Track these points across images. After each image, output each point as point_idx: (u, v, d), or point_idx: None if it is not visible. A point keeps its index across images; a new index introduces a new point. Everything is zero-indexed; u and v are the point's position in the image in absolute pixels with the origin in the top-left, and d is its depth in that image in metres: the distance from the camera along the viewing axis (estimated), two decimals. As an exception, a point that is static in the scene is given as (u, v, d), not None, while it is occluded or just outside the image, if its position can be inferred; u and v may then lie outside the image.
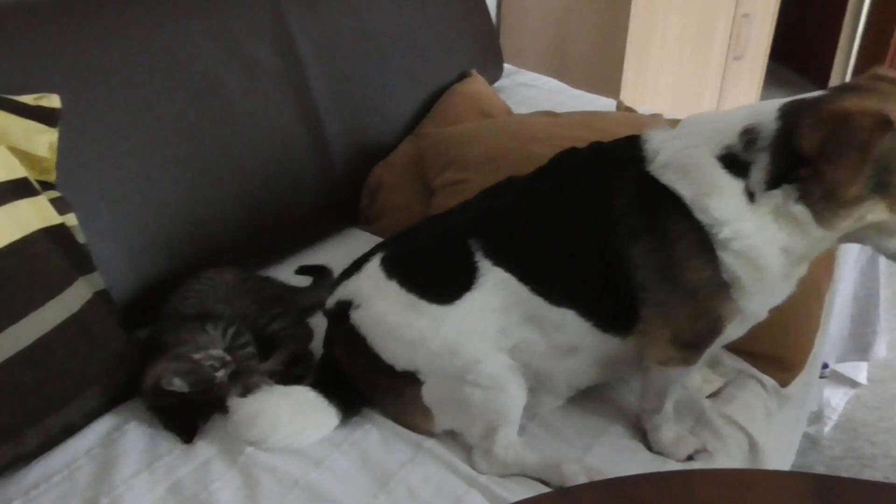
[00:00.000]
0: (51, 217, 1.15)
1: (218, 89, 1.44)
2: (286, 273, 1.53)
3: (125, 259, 1.31)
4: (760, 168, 0.98)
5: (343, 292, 1.20)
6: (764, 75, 3.15)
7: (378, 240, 1.61)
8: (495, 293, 1.10)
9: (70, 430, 1.14)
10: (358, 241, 1.64)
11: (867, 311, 1.73)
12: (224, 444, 1.14)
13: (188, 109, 1.40)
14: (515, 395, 1.12)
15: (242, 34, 1.49)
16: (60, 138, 1.21)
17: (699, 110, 2.88)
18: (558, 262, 1.09)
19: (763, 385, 1.30)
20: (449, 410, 1.15)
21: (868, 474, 1.80)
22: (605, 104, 2.04)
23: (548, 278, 1.10)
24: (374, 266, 1.18)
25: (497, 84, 2.19)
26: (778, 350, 1.31)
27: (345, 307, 1.18)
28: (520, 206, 1.15)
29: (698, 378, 1.27)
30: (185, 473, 1.09)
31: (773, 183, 0.97)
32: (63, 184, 1.22)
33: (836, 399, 1.87)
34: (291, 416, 1.13)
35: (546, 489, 1.10)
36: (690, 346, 1.09)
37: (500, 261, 1.10)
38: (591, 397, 1.24)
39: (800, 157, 0.94)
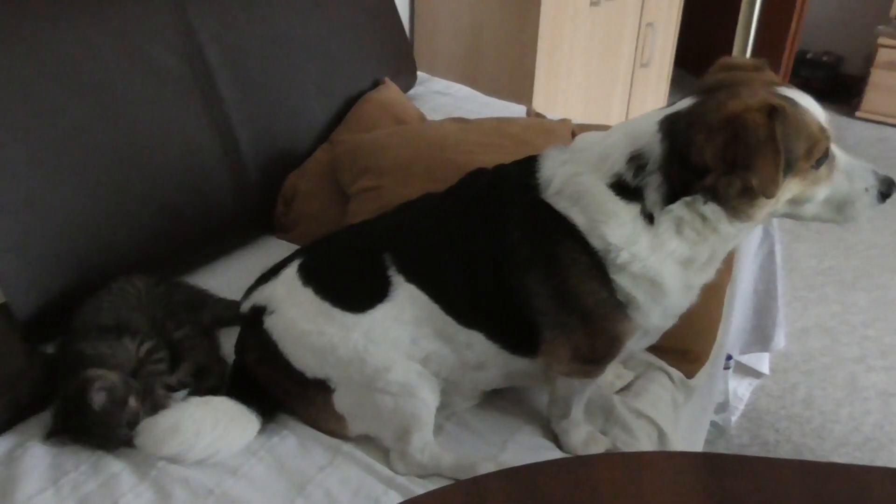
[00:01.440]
0: (-57, 229, 1.11)
1: (121, 95, 1.40)
2: (204, 282, 1.51)
3: (26, 271, 1.27)
4: (654, 189, 0.99)
5: (258, 297, 1.19)
6: (670, 81, 3.27)
7: (294, 248, 1.61)
8: (408, 307, 1.11)
9: (-31, 451, 1.10)
10: (273, 250, 1.63)
11: (767, 304, 1.81)
12: (134, 457, 1.11)
13: (90, 116, 1.36)
14: (427, 400, 1.13)
15: (146, 40, 1.46)
16: (-47, 147, 1.17)
17: (609, 116, 2.99)
18: (463, 285, 1.10)
19: (671, 377, 1.35)
20: (361, 416, 1.16)
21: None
22: (517, 111, 2.09)
23: (455, 300, 1.11)
24: (290, 272, 1.18)
25: (411, 92, 2.21)
26: (682, 343, 1.36)
27: (259, 312, 1.18)
28: (429, 226, 1.15)
29: (610, 374, 1.31)
30: (93, 489, 1.07)
31: (671, 199, 0.99)
32: (-44, 195, 1.18)
33: (742, 389, 1.96)
34: (213, 423, 1.10)
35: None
36: (591, 361, 1.12)
37: (413, 277, 1.11)
38: (506, 397, 1.27)
39: (695, 170, 0.95)
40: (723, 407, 1.85)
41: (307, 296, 1.14)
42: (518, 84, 2.52)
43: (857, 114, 4.01)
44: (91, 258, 1.35)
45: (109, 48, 1.41)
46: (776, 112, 0.91)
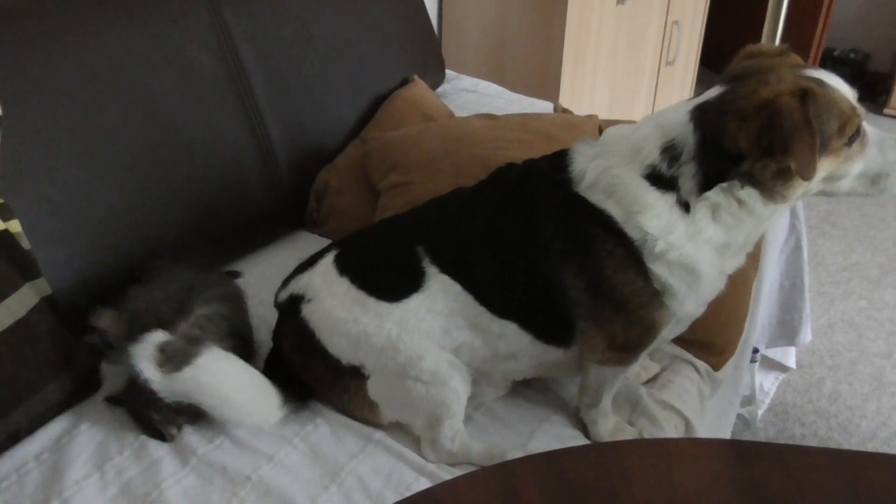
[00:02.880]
0: (-6, 223, 1.15)
1: (160, 95, 1.44)
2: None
3: (71, 264, 1.31)
4: (689, 178, 1.01)
5: (296, 286, 1.22)
6: (695, 79, 3.27)
7: (326, 242, 1.64)
8: (441, 297, 1.13)
9: (17, 437, 1.14)
10: (306, 244, 1.66)
11: (793, 298, 1.81)
12: (175, 443, 1.15)
13: (129, 115, 1.40)
14: (458, 389, 1.15)
15: (184, 41, 1.50)
16: (2, 145, 1.21)
17: (634, 113, 3.00)
18: (497, 277, 1.12)
19: (697, 369, 1.37)
20: (394, 404, 1.18)
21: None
22: (543, 107, 2.11)
23: (489, 291, 1.13)
24: (327, 263, 1.21)
25: (439, 89, 2.24)
26: (709, 335, 1.37)
27: (296, 301, 1.21)
28: (461, 220, 1.17)
29: (637, 366, 1.33)
30: (135, 473, 1.10)
31: (707, 187, 1.00)
32: (6, 190, 1.22)
33: (769, 383, 1.96)
34: (248, 387, 1.15)
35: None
36: (626, 350, 1.13)
37: (446, 269, 1.13)
38: (533, 387, 1.29)
39: (730, 156, 0.97)
40: (749, 400, 1.85)
41: (343, 286, 1.17)
42: (544, 81, 2.53)
43: (885, 111, 3.97)
44: (131, 252, 1.39)
45: (148, 49, 1.45)
46: (807, 94, 0.92)
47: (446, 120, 1.87)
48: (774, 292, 1.80)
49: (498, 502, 0.71)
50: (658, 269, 1.05)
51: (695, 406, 1.32)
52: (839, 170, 1.01)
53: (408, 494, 1.08)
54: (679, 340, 1.37)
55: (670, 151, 1.02)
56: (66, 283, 1.29)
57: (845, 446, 1.95)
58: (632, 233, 1.04)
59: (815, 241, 2.83)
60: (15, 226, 1.19)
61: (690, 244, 1.03)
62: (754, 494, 0.72)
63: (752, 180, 0.98)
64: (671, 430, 1.25)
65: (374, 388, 1.17)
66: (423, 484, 1.11)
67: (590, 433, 1.23)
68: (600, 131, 1.69)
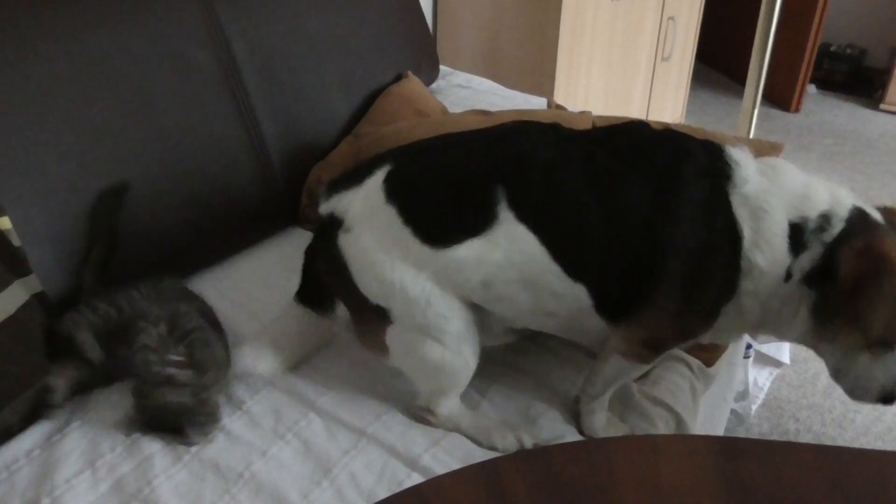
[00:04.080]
0: (-17, 220, 1.15)
1: (152, 91, 1.44)
2: (230, 272, 1.54)
3: (61, 261, 1.31)
4: (809, 259, 0.99)
5: (337, 204, 1.15)
6: (691, 75, 3.27)
7: (318, 239, 1.64)
8: (503, 247, 1.06)
9: (8, 434, 1.13)
10: (299, 241, 1.65)
11: (787, 293, 1.81)
12: (168, 440, 1.15)
13: (122, 111, 1.40)
14: (469, 360, 1.14)
15: (176, 36, 1.49)
16: (-9, 142, 1.21)
17: (630, 109, 2.99)
18: (594, 236, 1.05)
19: (689, 366, 1.37)
20: (405, 357, 1.17)
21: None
22: (538, 104, 2.10)
23: (575, 250, 1.06)
24: (375, 184, 1.12)
25: (433, 85, 2.24)
26: (702, 331, 1.37)
27: (334, 224, 1.14)
28: (567, 167, 1.07)
29: None
30: (127, 470, 1.10)
31: (812, 281, 0.98)
32: (-5, 187, 1.22)
33: (763, 378, 1.96)
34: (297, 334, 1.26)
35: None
36: (654, 349, 1.13)
37: (526, 217, 1.05)
38: (530, 384, 1.30)
39: (831, 276, 0.95)
40: (743, 396, 1.85)
41: (387, 216, 1.09)
42: (539, 77, 2.53)
43: (881, 106, 3.97)
44: (122, 249, 1.39)
45: (140, 45, 1.44)
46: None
47: (438, 116, 1.86)
48: (768, 287, 1.80)
49: (484, 498, 0.71)
50: (731, 302, 1.04)
51: (687, 402, 1.32)
52: (857, 355, 1.00)
53: (399, 490, 1.08)
54: (671, 336, 1.37)
55: (823, 220, 0.99)
56: (56, 280, 1.29)
57: (839, 441, 1.95)
58: (744, 262, 1.01)
59: (811, 236, 2.83)
60: (5, 222, 1.18)
61: (759, 305, 1.03)
62: (740, 490, 0.73)
63: (824, 307, 0.98)
64: (663, 426, 1.25)
65: (393, 335, 1.14)
66: (415, 480, 1.11)
67: (583, 425, 1.22)
68: (593, 126, 1.69)
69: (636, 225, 1.03)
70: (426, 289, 1.08)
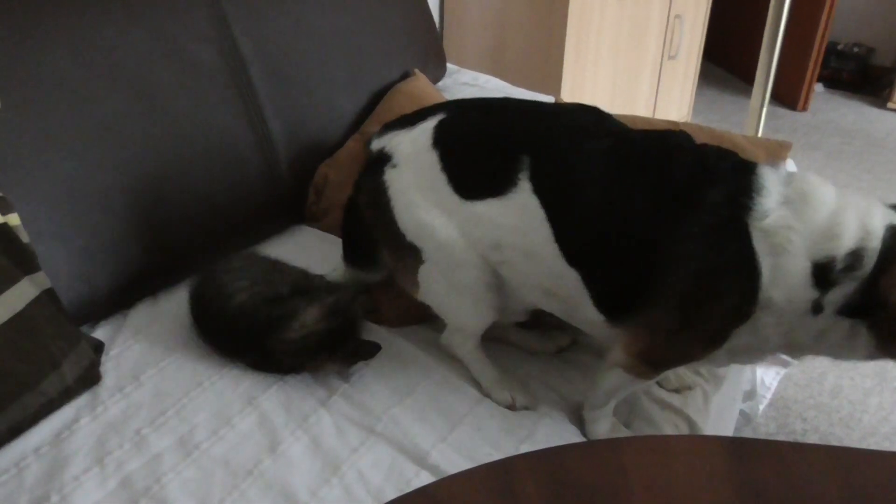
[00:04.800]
0: (-7, 217, 1.15)
1: (159, 89, 1.44)
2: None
3: (69, 258, 1.31)
4: (842, 294, 0.93)
5: (389, 142, 1.22)
6: (698, 74, 3.26)
7: (325, 237, 1.65)
8: (514, 214, 1.09)
9: (17, 431, 1.14)
10: (305, 238, 1.66)
11: (795, 294, 1.80)
12: (177, 437, 1.15)
13: (128, 108, 1.40)
14: (483, 314, 1.23)
15: (183, 34, 1.49)
16: (0, 138, 1.21)
17: (636, 107, 2.98)
18: (595, 229, 1.06)
19: (698, 371, 1.36)
20: (432, 293, 1.25)
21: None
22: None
23: (577, 237, 1.07)
24: (426, 128, 1.18)
25: (440, 83, 2.23)
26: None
27: (384, 159, 1.20)
28: (588, 151, 1.07)
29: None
30: (136, 467, 1.10)
31: (850, 313, 0.93)
32: (4, 184, 1.22)
33: (769, 378, 1.95)
34: None
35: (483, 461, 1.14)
36: (653, 366, 1.12)
37: (540, 190, 1.07)
38: (535, 386, 1.30)
39: (879, 298, 0.91)
40: (750, 395, 1.85)
41: (429, 160, 1.15)
42: (546, 75, 2.53)
43: (889, 105, 3.96)
44: (130, 247, 1.39)
45: (147, 42, 1.44)
46: None
47: (447, 114, 1.86)
48: (776, 287, 1.79)
49: (495, 499, 0.71)
50: (741, 332, 1.00)
51: (697, 404, 1.31)
52: None
53: (408, 489, 1.09)
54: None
55: (853, 258, 0.93)
56: (64, 277, 1.29)
57: (846, 441, 1.94)
58: (762, 297, 0.97)
59: (817, 235, 2.82)
60: (14, 219, 1.19)
61: (781, 336, 0.99)
62: (751, 491, 0.72)
63: (879, 331, 0.92)
64: (671, 429, 1.25)
65: (424, 273, 1.21)
66: (424, 478, 1.11)
67: (587, 431, 1.23)
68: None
69: (639, 232, 1.03)
70: (452, 237, 1.15)
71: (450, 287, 1.21)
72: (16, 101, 1.26)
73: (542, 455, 0.76)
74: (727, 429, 1.63)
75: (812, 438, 1.95)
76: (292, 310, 1.22)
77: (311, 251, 1.58)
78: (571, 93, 2.57)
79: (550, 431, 1.21)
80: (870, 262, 0.92)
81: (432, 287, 1.23)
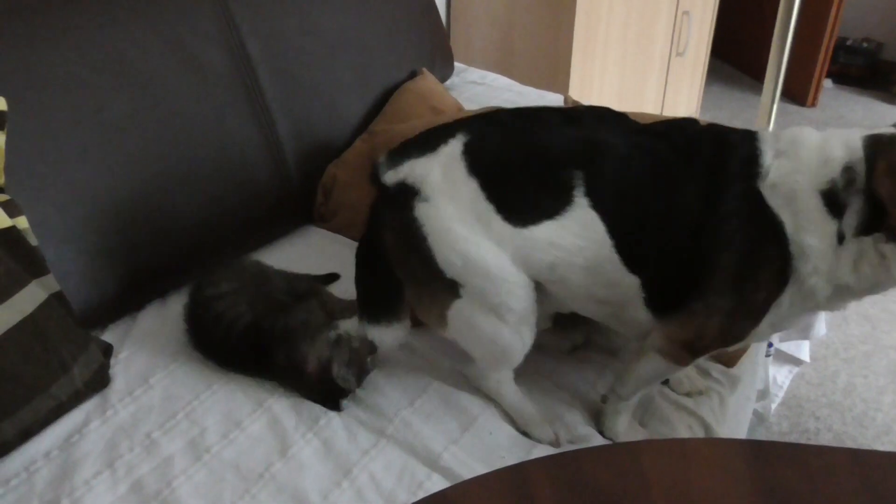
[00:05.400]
0: (1, 220, 1.14)
1: (167, 90, 1.43)
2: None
3: (78, 261, 1.31)
4: (854, 211, 0.97)
5: (410, 173, 1.11)
6: (706, 70, 3.24)
7: (334, 237, 1.64)
8: (573, 231, 1.07)
9: (27, 434, 1.13)
10: (313, 239, 1.65)
11: (808, 292, 1.78)
12: (187, 440, 1.14)
13: (136, 110, 1.39)
14: (526, 340, 1.16)
15: (191, 36, 1.49)
16: (7, 141, 1.20)
17: (644, 105, 2.97)
18: (653, 233, 1.06)
19: (708, 372, 1.35)
20: (466, 330, 1.16)
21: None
22: (553, 100, 2.09)
23: (636, 244, 1.07)
24: (453, 152, 1.10)
25: (447, 82, 2.22)
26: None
27: (408, 194, 1.10)
28: (633, 159, 1.08)
29: (680, 373, 1.29)
30: (146, 471, 1.10)
31: (865, 231, 0.97)
32: (12, 186, 1.21)
33: (782, 377, 1.94)
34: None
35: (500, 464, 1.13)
36: (693, 351, 1.12)
37: (599, 204, 1.06)
38: (549, 386, 1.29)
39: (879, 203, 0.94)
40: (763, 395, 1.83)
41: (470, 189, 1.08)
42: (554, 73, 2.51)
43: (898, 100, 3.93)
44: (140, 249, 1.39)
45: (155, 43, 1.44)
46: None
47: (454, 114, 1.85)
48: (788, 285, 1.78)
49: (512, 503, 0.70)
50: (791, 288, 1.02)
51: (713, 407, 1.30)
52: None
53: (420, 492, 1.08)
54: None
55: (849, 174, 0.98)
56: (73, 280, 1.29)
57: (860, 440, 1.93)
58: (793, 248, 1.00)
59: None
60: (22, 222, 1.18)
61: (825, 277, 1.01)
62: (772, 495, 0.71)
63: (893, 234, 0.94)
64: (684, 430, 1.24)
65: (458, 309, 1.14)
66: (436, 481, 1.10)
67: (604, 426, 1.22)
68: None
69: (688, 222, 1.05)
70: (505, 267, 1.09)
71: (489, 318, 1.13)
72: (23, 104, 1.25)
73: (558, 459, 0.75)
74: (741, 428, 1.61)
75: (825, 437, 1.93)
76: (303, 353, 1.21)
77: (320, 252, 1.58)
78: (580, 90, 2.56)
79: (564, 433, 1.20)
80: (861, 172, 0.96)
81: (467, 324, 1.15)
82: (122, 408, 1.20)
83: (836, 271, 1.00)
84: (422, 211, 1.09)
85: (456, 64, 2.29)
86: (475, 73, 2.32)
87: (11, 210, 1.17)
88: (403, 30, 1.99)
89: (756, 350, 1.49)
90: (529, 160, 1.09)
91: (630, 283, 1.09)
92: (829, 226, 0.99)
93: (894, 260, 0.97)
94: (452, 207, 1.08)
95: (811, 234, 0.99)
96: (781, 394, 1.94)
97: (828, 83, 4.07)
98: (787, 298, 1.03)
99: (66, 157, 1.31)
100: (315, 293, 1.37)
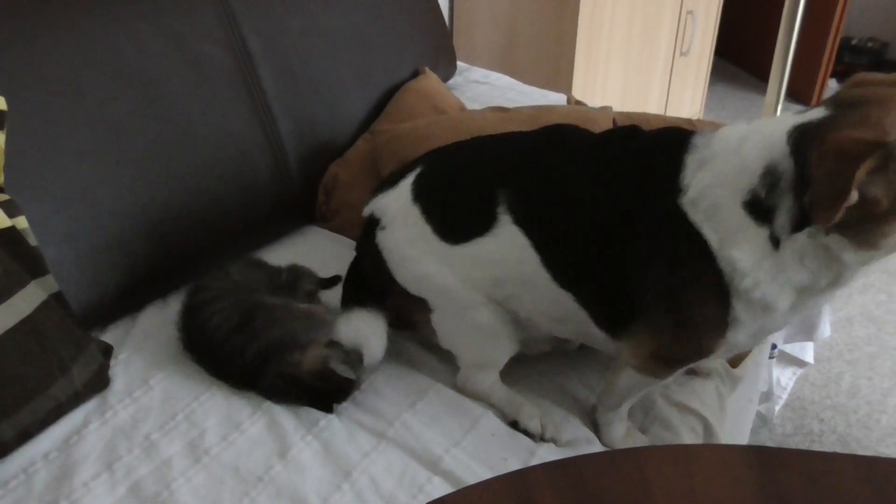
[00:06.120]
0: (0, 220, 1.13)
1: (168, 89, 1.43)
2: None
3: (78, 261, 1.30)
4: (784, 211, 0.93)
5: (377, 206, 1.25)
6: (710, 70, 3.23)
7: (334, 237, 1.63)
8: (503, 248, 1.12)
9: (26, 436, 1.12)
10: (314, 239, 1.64)
11: (812, 293, 1.78)
12: (186, 442, 1.14)
13: (137, 111, 1.38)
14: (506, 346, 1.22)
15: (192, 34, 1.48)
16: (7, 140, 1.20)
17: (648, 104, 2.96)
18: (572, 249, 1.08)
19: (714, 367, 1.34)
20: (449, 337, 1.25)
21: (816, 450, 1.86)
22: (556, 99, 2.08)
23: (560, 258, 1.10)
24: (406, 184, 1.22)
25: (450, 81, 2.21)
26: (727, 332, 1.34)
27: (374, 223, 1.25)
28: (556, 173, 1.11)
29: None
30: (145, 473, 1.09)
31: (799, 226, 0.93)
32: (12, 186, 1.20)
33: (786, 378, 1.93)
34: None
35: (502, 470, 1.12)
36: (666, 364, 1.10)
37: (521, 221, 1.10)
38: (551, 389, 1.28)
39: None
40: (766, 396, 1.83)
41: (414, 215, 1.19)
42: (557, 73, 2.50)
43: (904, 99, 3.91)
44: (140, 249, 1.38)
45: (156, 41, 1.43)
46: (875, 148, 0.83)
47: (456, 114, 1.84)
48: (793, 287, 1.77)
49: (514, 510, 0.69)
50: (738, 304, 0.99)
51: (714, 406, 1.29)
52: None
53: (420, 495, 1.07)
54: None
55: (770, 176, 0.94)
56: (73, 280, 1.28)
57: (865, 442, 1.92)
58: (722, 264, 0.97)
59: (833, 233, 2.79)
60: (21, 222, 1.17)
61: (774, 284, 0.97)
62: (778, 503, 0.70)
63: (838, 224, 0.89)
64: (688, 432, 1.23)
65: (436, 320, 1.23)
66: (437, 484, 1.09)
67: (601, 436, 1.21)
68: (615, 123, 1.66)
69: (606, 240, 1.05)
70: (448, 283, 1.17)
71: (466, 328, 1.21)
72: (23, 103, 1.24)
73: (561, 466, 0.74)
74: (744, 431, 1.61)
75: (829, 440, 1.92)
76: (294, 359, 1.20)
77: (321, 252, 1.57)
78: (583, 90, 2.55)
79: (565, 436, 1.19)
80: (787, 169, 0.92)
81: (448, 331, 1.24)
82: (121, 409, 1.19)
83: (785, 275, 0.96)
84: (380, 238, 1.23)
85: (459, 63, 2.28)
86: (478, 73, 2.31)
87: (11, 210, 1.16)
88: (406, 29, 1.98)
89: (760, 352, 1.48)
90: (463, 183, 1.18)
91: (569, 300, 1.12)
92: (757, 235, 0.95)
93: (841, 249, 0.93)
94: (403, 232, 1.20)
95: (737, 247, 0.96)
96: (785, 396, 1.93)
97: (833, 83, 4.05)
98: (743, 314, 1.00)
99: (65, 156, 1.30)
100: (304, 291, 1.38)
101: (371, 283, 1.28)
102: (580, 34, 2.43)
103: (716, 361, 1.34)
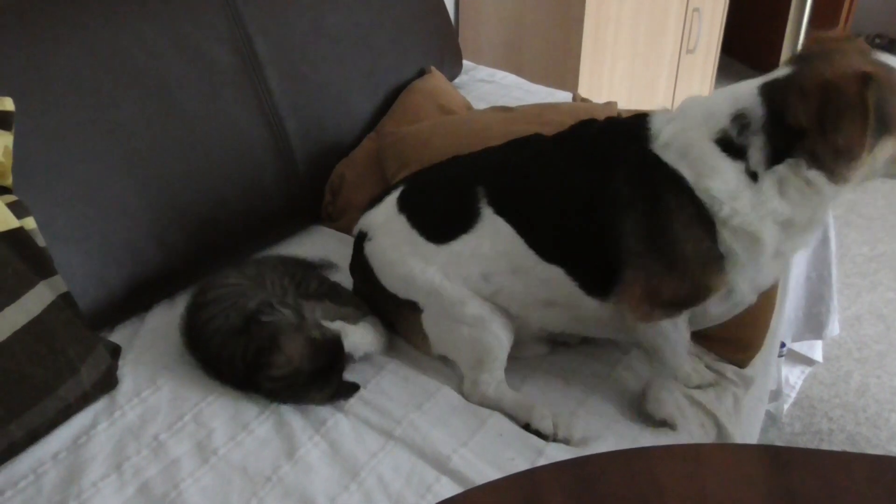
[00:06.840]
0: (9, 221, 1.14)
1: (174, 90, 1.43)
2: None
3: (86, 261, 1.30)
4: (757, 149, 1.04)
5: (363, 222, 1.32)
6: (716, 68, 3.21)
7: (341, 236, 1.63)
8: (488, 239, 1.18)
9: (35, 436, 1.13)
10: (321, 238, 1.64)
11: (820, 291, 1.77)
12: (194, 442, 1.14)
13: (144, 111, 1.39)
14: (499, 335, 1.22)
15: (198, 35, 1.48)
16: (15, 142, 1.20)
17: (654, 103, 2.95)
18: (556, 221, 1.16)
19: (724, 374, 1.33)
20: (442, 340, 1.27)
21: (825, 449, 1.85)
22: (562, 97, 2.07)
23: (544, 235, 1.16)
24: (391, 199, 1.29)
25: (456, 80, 2.21)
26: (736, 331, 1.34)
27: (361, 238, 1.31)
28: (529, 164, 1.21)
29: (688, 366, 1.28)
30: (154, 473, 1.09)
31: (774, 160, 1.04)
32: (20, 187, 1.21)
33: (794, 377, 1.92)
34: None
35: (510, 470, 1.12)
36: (666, 306, 1.14)
37: (502, 210, 1.17)
38: (558, 385, 1.28)
39: (795, 132, 1.01)
40: (775, 395, 1.82)
41: (399, 224, 1.25)
42: (563, 70, 2.50)
43: (912, 96, 3.89)
44: (147, 250, 1.38)
45: (162, 42, 1.43)
46: (869, 76, 0.96)
47: (460, 114, 1.84)
48: (801, 285, 1.76)
49: (523, 510, 0.69)
50: (725, 233, 1.07)
51: (728, 407, 1.28)
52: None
53: (428, 495, 1.07)
54: (705, 338, 1.34)
55: (740, 120, 1.05)
56: (81, 281, 1.28)
57: (874, 441, 1.91)
58: (701, 195, 1.07)
59: (841, 231, 2.78)
60: (30, 223, 1.18)
61: (754, 213, 1.06)
62: (790, 502, 0.70)
63: (815, 159, 1.01)
64: (697, 428, 1.22)
65: (427, 322, 1.26)
66: (445, 483, 1.09)
67: (650, 407, 1.22)
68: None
69: (583, 201, 1.13)
70: (434, 281, 1.21)
71: (457, 324, 1.22)
72: (30, 104, 1.25)
73: (569, 465, 0.74)
74: (753, 430, 1.60)
75: (839, 438, 1.91)
76: (272, 345, 1.17)
77: (328, 251, 1.56)
78: (589, 88, 2.54)
79: (574, 430, 1.18)
80: (758, 115, 1.04)
81: (441, 331, 1.26)
82: (129, 409, 1.20)
83: (765, 206, 1.05)
84: (367, 248, 1.29)
85: (465, 62, 2.28)
86: (484, 72, 2.30)
87: (19, 211, 1.17)
88: (412, 28, 1.98)
89: (769, 350, 1.47)
90: (443, 189, 1.27)
91: (557, 275, 1.17)
92: (732, 168, 1.06)
93: (822, 183, 1.03)
94: (386, 239, 1.26)
95: (713, 177, 1.06)
96: (794, 394, 1.93)
97: (840, 80, 4.04)
98: (733, 243, 1.07)
99: (73, 157, 1.30)
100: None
101: (364, 298, 1.33)
102: (586, 32, 2.42)
103: (725, 369, 1.33)
